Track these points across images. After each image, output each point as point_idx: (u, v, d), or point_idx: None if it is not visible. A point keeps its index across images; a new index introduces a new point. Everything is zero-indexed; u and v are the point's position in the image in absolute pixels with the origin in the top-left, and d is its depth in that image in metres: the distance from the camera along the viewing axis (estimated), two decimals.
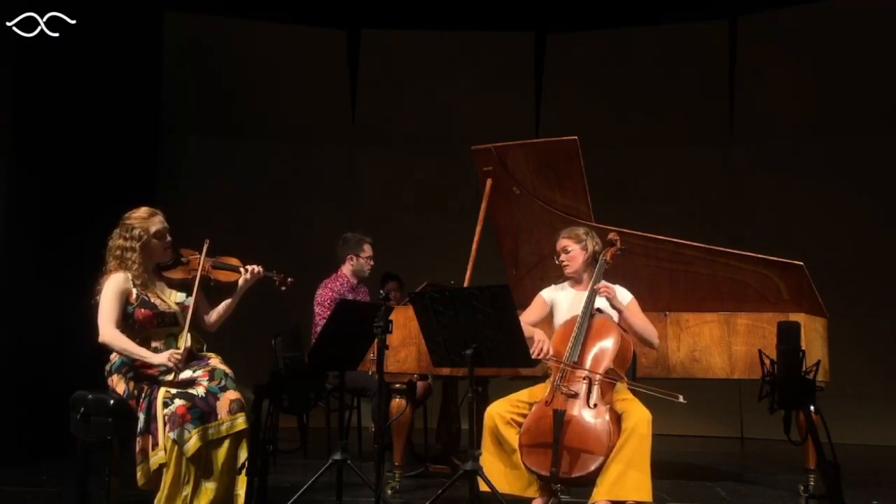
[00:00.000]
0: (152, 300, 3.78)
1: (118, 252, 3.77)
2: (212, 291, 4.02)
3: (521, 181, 4.97)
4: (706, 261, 4.80)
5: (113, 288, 3.72)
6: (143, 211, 3.85)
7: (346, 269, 5.65)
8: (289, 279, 4.01)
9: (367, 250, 5.66)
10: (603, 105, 8.15)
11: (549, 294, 4.23)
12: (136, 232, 3.78)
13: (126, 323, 3.75)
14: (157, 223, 3.83)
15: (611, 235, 4.27)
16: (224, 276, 3.94)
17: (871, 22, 7.41)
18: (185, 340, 3.77)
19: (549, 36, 8.45)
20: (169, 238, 3.87)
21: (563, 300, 4.16)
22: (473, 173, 5.08)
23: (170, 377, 3.66)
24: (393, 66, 8.47)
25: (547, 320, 4.23)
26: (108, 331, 3.67)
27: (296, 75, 8.31)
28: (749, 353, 4.47)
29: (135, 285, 3.76)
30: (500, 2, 8.32)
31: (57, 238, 5.79)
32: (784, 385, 3.34)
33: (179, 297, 3.86)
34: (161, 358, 3.65)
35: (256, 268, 3.96)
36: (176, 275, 3.90)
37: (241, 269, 3.95)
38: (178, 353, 3.66)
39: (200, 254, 3.86)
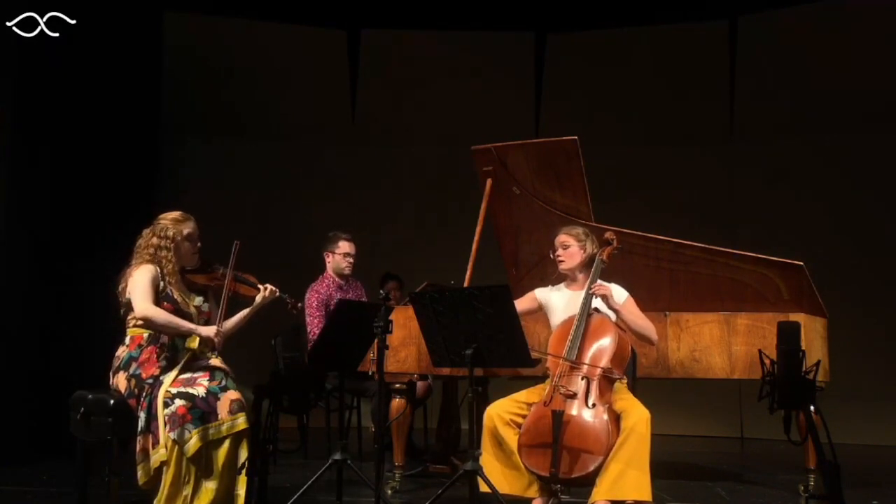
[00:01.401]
0: (175, 296, 3.84)
1: (151, 250, 3.84)
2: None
3: (521, 181, 4.97)
4: (706, 261, 4.80)
5: (147, 274, 3.78)
6: (176, 214, 3.95)
7: (328, 267, 5.58)
8: (298, 304, 4.11)
9: (343, 247, 5.50)
10: (603, 105, 8.15)
11: (542, 293, 4.22)
12: (171, 233, 3.86)
13: None
14: (190, 227, 3.92)
15: (607, 234, 4.23)
16: (244, 290, 4.01)
17: (872, 22, 7.41)
18: (195, 342, 3.82)
19: (549, 36, 8.46)
20: (199, 244, 3.95)
21: (558, 300, 4.14)
22: (473, 173, 5.08)
23: (210, 358, 3.76)
24: (393, 66, 8.46)
25: (534, 317, 4.24)
26: (149, 306, 3.72)
27: (296, 75, 8.31)
28: (749, 353, 4.46)
29: (162, 279, 3.83)
30: (500, 2, 8.32)
31: (57, 238, 5.79)
32: (784, 385, 3.34)
33: (198, 300, 3.92)
34: (209, 331, 3.77)
35: (272, 287, 4.01)
36: (199, 279, 3.96)
37: (259, 287, 4.01)
38: (221, 329, 3.78)
39: (230, 258, 3.92)
